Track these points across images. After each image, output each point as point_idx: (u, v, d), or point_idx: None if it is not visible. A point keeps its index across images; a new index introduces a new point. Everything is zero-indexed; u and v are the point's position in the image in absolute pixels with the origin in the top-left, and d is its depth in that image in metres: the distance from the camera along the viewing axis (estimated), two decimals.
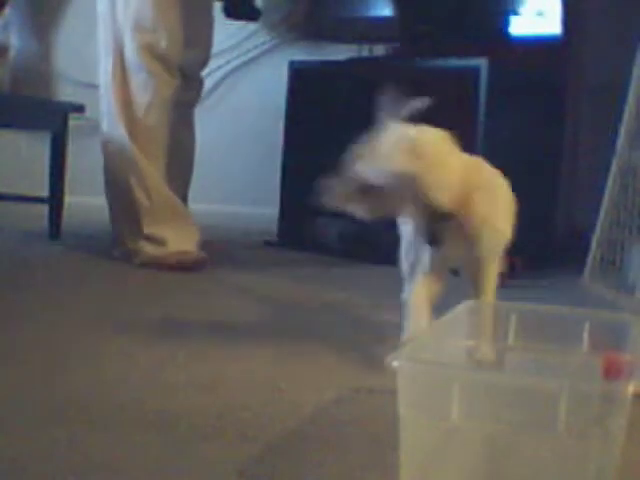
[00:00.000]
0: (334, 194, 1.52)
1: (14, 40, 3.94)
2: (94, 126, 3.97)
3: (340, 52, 3.37)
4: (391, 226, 1.78)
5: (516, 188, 3.23)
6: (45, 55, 4.01)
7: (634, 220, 2.49)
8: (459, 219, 1.52)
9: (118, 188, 2.65)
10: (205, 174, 2.99)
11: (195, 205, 2.86)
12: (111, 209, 2.69)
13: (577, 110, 3.27)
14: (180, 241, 2.61)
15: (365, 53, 3.47)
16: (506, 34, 3.03)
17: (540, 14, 3.03)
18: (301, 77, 3.20)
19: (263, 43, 3.93)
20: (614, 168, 2.63)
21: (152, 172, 2.62)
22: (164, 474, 1.09)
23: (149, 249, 2.59)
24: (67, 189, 3.13)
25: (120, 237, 2.65)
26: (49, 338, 1.74)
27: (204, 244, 2.66)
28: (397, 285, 1.90)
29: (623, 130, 2.62)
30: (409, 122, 1.52)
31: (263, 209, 3.64)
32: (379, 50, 3.43)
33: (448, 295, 1.85)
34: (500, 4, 3.01)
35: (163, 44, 2.59)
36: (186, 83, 2.72)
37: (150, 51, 2.60)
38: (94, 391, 1.42)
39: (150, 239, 2.60)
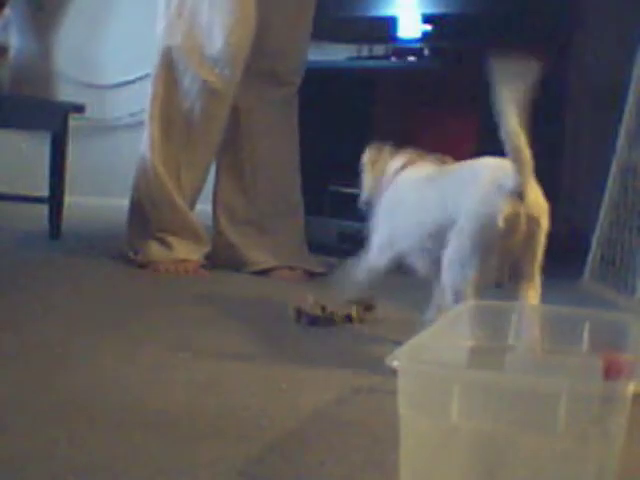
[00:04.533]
0: None
1: (14, 40, 3.94)
2: (94, 126, 3.99)
3: (340, 52, 3.37)
4: None
5: None
6: (45, 55, 4.01)
7: (634, 220, 2.49)
8: None
9: (134, 186, 2.63)
10: None
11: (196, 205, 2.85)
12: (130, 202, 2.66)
13: (577, 110, 3.27)
14: (186, 250, 2.57)
15: (365, 53, 3.47)
16: (505, 34, 3.03)
17: (539, 14, 3.02)
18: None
19: None
20: (614, 168, 2.63)
21: (164, 183, 2.55)
22: (164, 474, 1.09)
23: (155, 249, 2.56)
24: (67, 189, 3.13)
25: (131, 234, 2.62)
26: (49, 338, 1.74)
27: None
28: (396, 284, 1.90)
29: (623, 130, 2.62)
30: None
31: None
32: (379, 50, 3.42)
33: None
34: (502, 4, 3.01)
35: (218, 46, 2.46)
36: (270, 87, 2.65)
37: (200, 54, 2.48)
38: (94, 391, 1.42)
39: (158, 240, 2.56)
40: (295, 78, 2.69)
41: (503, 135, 1.44)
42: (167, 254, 2.55)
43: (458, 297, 1.52)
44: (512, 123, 1.43)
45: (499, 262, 1.53)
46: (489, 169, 1.55)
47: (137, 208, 2.61)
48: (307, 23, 2.67)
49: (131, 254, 2.58)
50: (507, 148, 1.45)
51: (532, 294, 1.54)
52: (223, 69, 2.48)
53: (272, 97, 2.66)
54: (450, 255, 1.55)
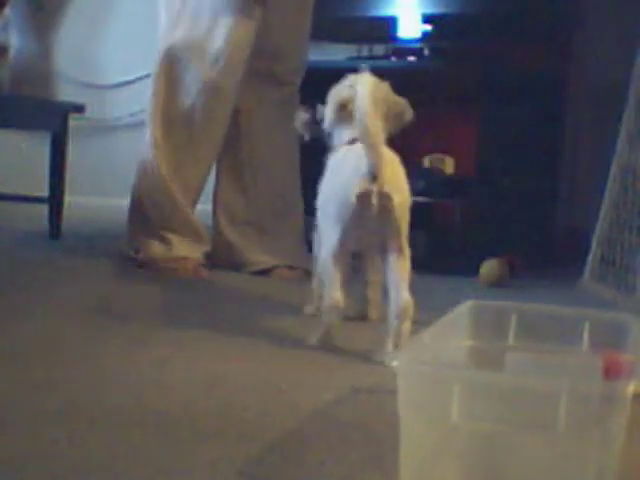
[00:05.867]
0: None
1: (14, 40, 3.94)
2: (94, 126, 3.99)
3: (340, 52, 3.37)
4: None
5: (516, 188, 3.25)
6: (45, 55, 4.02)
7: (634, 220, 2.49)
8: None
9: (134, 185, 2.60)
10: None
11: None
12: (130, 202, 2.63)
13: (577, 110, 3.27)
14: (186, 249, 2.55)
15: (365, 53, 3.47)
16: (505, 34, 3.04)
17: (539, 14, 3.03)
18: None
19: None
20: (614, 168, 2.63)
21: (166, 182, 2.53)
22: (164, 474, 1.09)
23: (155, 247, 2.54)
24: (67, 189, 3.13)
25: (131, 232, 2.61)
26: (49, 338, 1.74)
27: None
28: None
29: (623, 130, 2.62)
30: None
31: None
32: (379, 50, 3.43)
33: (447, 295, 1.85)
34: (502, 4, 3.01)
35: (218, 44, 2.45)
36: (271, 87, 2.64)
37: (201, 52, 2.47)
38: (94, 391, 1.42)
39: (159, 238, 2.54)
40: (295, 78, 2.69)
41: (357, 123, 1.66)
42: (167, 252, 2.54)
43: (323, 266, 1.77)
44: (366, 112, 1.64)
45: (360, 234, 1.74)
46: (356, 154, 1.74)
47: (137, 206, 2.60)
48: (305, 24, 2.67)
49: (132, 252, 2.58)
50: (359, 134, 1.68)
51: (400, 264, 1.72)
52: (224, 67, 2.47)
53: (272, 97, 2.66)
54: (319, 231, 1.85)
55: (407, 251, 1.72)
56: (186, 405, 1.36)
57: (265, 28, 2.53)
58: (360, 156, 1.72)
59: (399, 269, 1.71)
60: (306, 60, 2.72)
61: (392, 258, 1.72)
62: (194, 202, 2.62)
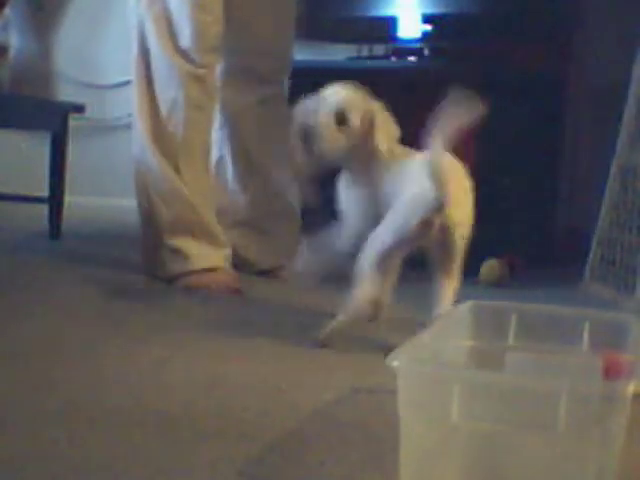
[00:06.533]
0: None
1: (14, 40, 3.94)
2: (94, 126, 3.99)
3: (340, 52, 3.37)
4: None
5: (516, 188, 3.24)
6: (45, 55, 4.02)
7: (634, 220, 2.49)
8: None
9: (138, 195, 2.46)
10: None
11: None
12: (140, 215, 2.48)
13: (577, 110, 3.27)
14: (206, 257, 2.39)
15: (365, 53, 3.47)
16: (505, 34, 3.03)
17: (539, 14, 3.03)
18: (301, 77, 3.20)
19: None
20: (614, 168, 2.63)
21: (172, 178, 2.39)
22: (164, 474, 1.09)
23: (172, 263, 2.38)
24: (67, 189, 3.13)
25: (143, 246, 2.47)
26: (49, 338, 1.74)
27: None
28: (398, 285, 1.89)
29: (623, 130, 2.62)
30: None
31: None
32: (379, 50, 3.43)
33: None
34: (502, 4, 3.01)
35: (187, 33, 2.35)
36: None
37: (174, 42, 2.37)
38: (94, 391, 1.42)
39: (172, 251, 2.38)
40: (280, 77, 2.66)
41: (427, 161, 1.64)
42: (187, 265, 2.37)
43: (365, 268, 1.72)
44: (437, 150, 1.62)
45: (409, 253, 1.75)
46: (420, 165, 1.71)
47: (147, 215, 2.44)
48: (289, 20, 2.63)
49: (158, 271, 2.41)
50: (428, 171, 1.63)
51: (447, 292, 1.73)
52: (196, 54, 2.38)
53: (259, 97, 2.62)
54: (374, 235, 1.74)
55: (456, 280, 1.74)
56: (186, 405, 1.37)
57: (245, 27, 2.50)
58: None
59: (444, 298, 1.72)
60: (292, 58, 2.67)
61: (442, 283, 1.73)
62: (200, 199, 2.43)
